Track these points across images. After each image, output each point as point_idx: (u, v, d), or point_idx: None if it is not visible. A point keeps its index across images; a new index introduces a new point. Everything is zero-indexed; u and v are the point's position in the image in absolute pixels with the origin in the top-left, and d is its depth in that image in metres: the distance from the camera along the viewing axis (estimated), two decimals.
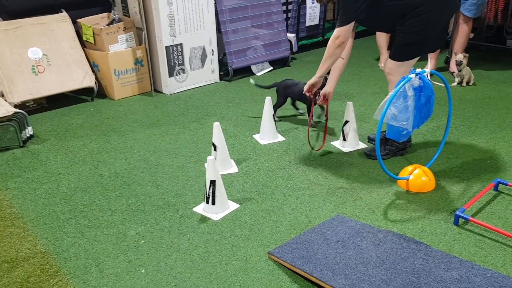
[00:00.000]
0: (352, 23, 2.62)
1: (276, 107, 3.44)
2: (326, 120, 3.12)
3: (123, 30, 4.02)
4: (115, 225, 2.35)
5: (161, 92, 4.25)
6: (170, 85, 4.18)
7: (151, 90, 4.21)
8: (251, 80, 3.65)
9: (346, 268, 1.88)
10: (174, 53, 4.11)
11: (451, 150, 2.98)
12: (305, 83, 2.97)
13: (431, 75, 2.77)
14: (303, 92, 2.96)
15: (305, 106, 3.41)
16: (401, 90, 2.42)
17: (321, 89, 3.00)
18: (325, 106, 3.16)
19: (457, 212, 2.25)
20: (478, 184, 2.60)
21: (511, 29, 4.72)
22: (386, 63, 2.86)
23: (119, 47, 4.02)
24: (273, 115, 3.25)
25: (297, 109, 3.62)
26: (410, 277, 1.79)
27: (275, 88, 3.50)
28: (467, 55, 4.14)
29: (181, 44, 4.12)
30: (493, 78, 4.36)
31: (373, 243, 2.04)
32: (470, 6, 4.28)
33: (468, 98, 3.90)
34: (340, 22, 2.60)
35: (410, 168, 2.63)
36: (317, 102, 3.06)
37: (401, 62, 2.73)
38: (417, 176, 2.58)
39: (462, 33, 4.38)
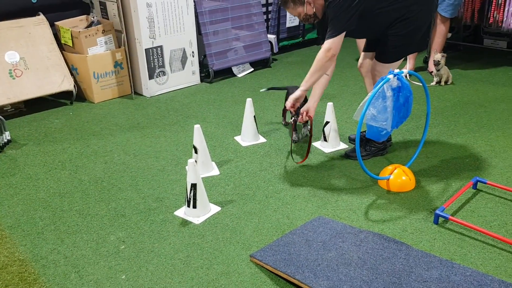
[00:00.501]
0: (343, 34, 2.55)
1: (285, 111, 3.40)
2: (310, 136, 2.94)
3: (102, 33, 3.97)
4: (95, 231, 2.32)
5: (142, 95, 4.22)
6: (150, 87, 4.15)
7: (131, 92, 4.17)
8: (262, 89, 3.56)
9: (328, 270, 1.88)
10: (154, 55, 4.08)
11: (430, 149, 3.02)
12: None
13: (409, 75, 2.80)
14: (286, 108, 2.85)
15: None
16: (379, 90, 2.44)
17: (302, 105, 2.89)
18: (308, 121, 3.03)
19: (437, 211, 2.28)
20: (458, 182, 2.64)
21: (487, 29, 4.80)
22: (373, 65, 2.86)
23: (98, 50, 3.97)
24: (283, 120, 3.26)
25: (284, 119, 3.50)
26: (391, 277, 1.80)
27: (286, 91, 3.37)
28: (445, 54, 4.20)
29: (161, 46, 4.09)
30: (471, 77, 4.43)
31: (354, 244, 2.05)
32: (447, 6, 4.34)
33: (447, 97, 3.95)
34: (331, 34, 2.53)
35: (390, 167, 2.65)
36: (297, 120, 2.91)
37: (390, 64, 2.75)
38: (397, 175, 2.60)
39: (440, 33, 4.45)
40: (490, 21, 4.46)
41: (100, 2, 4.17)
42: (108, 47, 4.03)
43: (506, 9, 4.32)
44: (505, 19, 4.35)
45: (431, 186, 2.62)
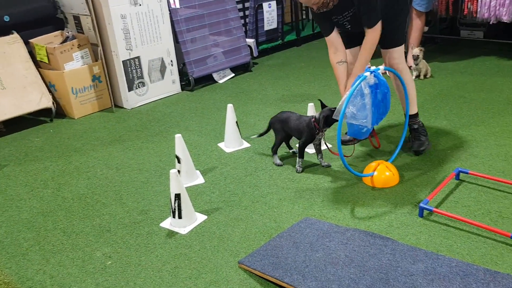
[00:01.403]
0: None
1: (275, 148, 2.94)
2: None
3: (78, 47, 3.94)
4: (80, 248, 2.29)
5: (122, 107, 4.19)
6: (130, 99, 4.12)
7: (112, 106, 4.14)
8: (253, 136, 3.18)
9: (316, 271, 1.88)
10: (132, 66, 4.06)
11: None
12: (302, 116, 2.80)
13: (388, 71, 2.81)
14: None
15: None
16: (357, 88, 2.45)
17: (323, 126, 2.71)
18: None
19: (421, 204, 2.29)
20: (440, 174, 2.66)
21: (463, 20, 4.86)
22: (393, 55, 2.76)
23: (75, 65, 3.94)
24: (272, 155, 2.95)
25: (290, 148, 3.07)
26: (379, 273, 1.80)
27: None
28: (422, 48, 4.24)
29: (138, 57, 4.07)
30: (450, 69, 4.47)
31: (341, 243, 2.05)
32: (421, 0, 4.38)
33: (426, 90, 3.98)
34: (375, 17, 2.54)
35: (373, 164, 2.66)
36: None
37: (402, 45, 2.76)
38: (381, 171, 2.61)
39: (416, 28, 4.49)
40: (465, 12, 4.51)
41: (74, 16, 4.14)
42: (84, 61, 4.00)
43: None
44: (479, 9, 4.40)
45: (414, 179, 2.64)
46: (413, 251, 1.92)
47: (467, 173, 2.58)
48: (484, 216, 2.26)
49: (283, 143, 3.00)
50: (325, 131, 2.75)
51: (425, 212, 2.31)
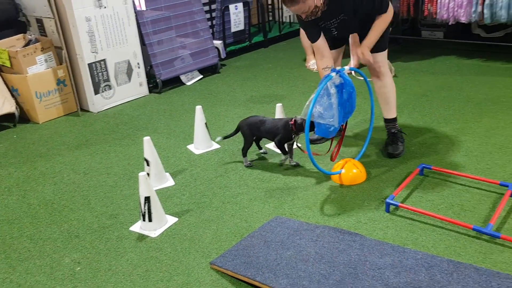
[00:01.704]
0: None
1: (244, 150, 2.94)
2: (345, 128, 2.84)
3: (41, 51, 3.85)
4: (48, 255, 2.24)
5: (88, 111, 4.12)
6: (96, 102, 4.06)
7: (77, 109, 4.07)
8: (218, 138, 3.08)
9: (287, 268, 1.91)
10: (98, 69, 4.00)
11: (377, 141, 3.11)
12: (273, 119, 2.83)
13: (353, 72, 2.88)
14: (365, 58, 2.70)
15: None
16: (324, 88, 2.50)
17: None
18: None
19: (387, 200, 2.36)
20: (405, 170, 2.74)
21: (424, 21, 5.01)
22: (376, 59, 2.77)
23: (39, 69, 3.85)
24: (243, 158, 2.94)
25: (260, 148, 3.09)
26: (348, 268, 1.85)
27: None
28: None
29: (104, 60, 4.02)
30: (412, 68, 4.60)
31: (311, 240, 2.09)
32: None
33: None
34: (385, 5, 2.59)
35: (341, 162, 2.72)
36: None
37: (386, 50, 2.80)
38: (348, 169, 2.67)
39: None
40: (425, 13, 4.65)
41: (36, 19, 4.04)
42: (48, 65, 3.91)
43: (438, 1, 4.52)
44: (438, 10, 4.55)
45: (381, 176, 2.71)
46: (380, 246, 1.97)
47: (430, 168, 2.66)
48: (447, 209, 2.35)
49: (254, 143, 3.01)
50: (300, 134, 2.77)
51: (392, 207, 2.37)
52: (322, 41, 2.73)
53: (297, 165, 2.89)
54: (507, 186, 2.40)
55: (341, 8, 2.56)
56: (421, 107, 3.65)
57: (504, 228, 2.17)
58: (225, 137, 3.05)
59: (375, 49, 2.75)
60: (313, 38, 2.73)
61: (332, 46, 2.87)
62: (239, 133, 2.98)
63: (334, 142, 2.82)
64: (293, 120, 2.74)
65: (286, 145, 2.88)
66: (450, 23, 4.57)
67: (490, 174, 2.61)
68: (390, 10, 2.63)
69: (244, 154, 2.96)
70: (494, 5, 4.24)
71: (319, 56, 2.77)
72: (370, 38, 2.67)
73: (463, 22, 4.46)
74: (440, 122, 3.35)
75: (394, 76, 4.39)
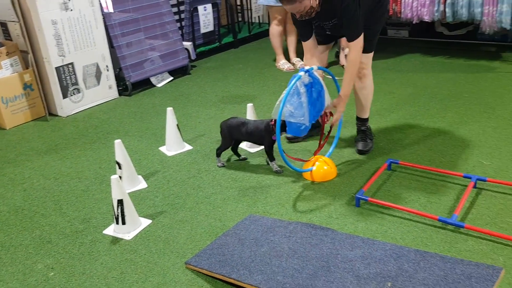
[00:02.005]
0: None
1: (219, 151, 2.94)
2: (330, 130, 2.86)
3: (6, 55, 3.77)
4: (20, 262, 2.21)
5: (57, 115, 4.06)
6: (65, 106, 4.00)
7: (46, 114, 4.00)
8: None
9: (262, 264, 1.94)
10: (66, 73, 3.94)
11: (346, 138, 3.19)
12: (255, 121, 2.83)
13: (323, 71, 2.93)
14: (324, 112, 2.74)
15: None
16: (293, 88, 2.55)
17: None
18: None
19: (357, 195, 2.42)
20: (374, 166, 2.81)
21: (389, 20, 5.13)
22: (362, 60, 2.74)
23: (4, 73, 3.77)
24: (216, 158, 2.95)
25: (239, 156, 3.04)
26: (320, 261, 1.90)
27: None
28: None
29: (72, 63, 3.97)
30: (379, 66, 4.71)
31: (284, 236, 2.13)
32: None
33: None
34: (357, 33, 2.57)
35: (312, 159, 2.77)
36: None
37: (371, 53, 2.81)
38: (319, 166, 2.73)
39: None
40: (390, 13, 4.77)
41: (1, 23, 3.96)
42: (14, 69, 3.84)
43: (403, 0, 4.64)
44: (402, 10, 4.68)
45: (350, 172, 2.78)
46: (351, 239, 2.03)
47: (397, 163, 2.75)
48: (414, 202, 2.43)
49: (232, 151, 3.02)
50: (282, 134, 2.77)
51: (361, 201, 2.44)
52: (312, 42, 2.78)
53: (278, 172, 2.85)
54: (470, 178, 2.51)
55: (333, 14, 2.59)
56: (388, 104, 3.75)
57: (468, 218, 2.27)
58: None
59: (364, 50, 2.73)
60: (304, 37, 2.78)
61: (322, 42, 2.90)
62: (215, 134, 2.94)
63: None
64: (273, 120, 2.71)
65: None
66: (414, 22, 4.71)
67: (454, 167, 2.72)
68: (359, 42, 2.59)
69: (218, 154, 2.97)
70: (455, 4, 4.39)
71: (308, 56, 2.82)
72: (344, 87, 2.69)
73: (427, 20, 4.60)
74: (406, 118, 3.45)
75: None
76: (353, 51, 2.62)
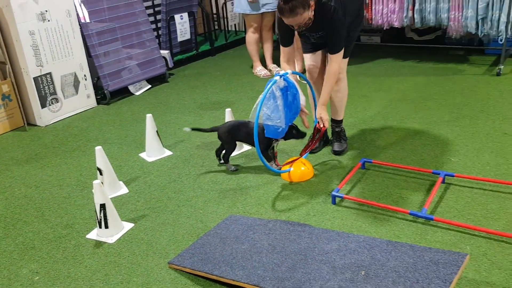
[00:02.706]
0: None
1: (226, 156, 2.99)
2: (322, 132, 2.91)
3: None
4: (4, 267, 2.24)
5: (36, 125, 4.07)
6: (44, 116, 4.02)
7: (24, 124, 4.01)
8: (186, 128, 3.06)
9: (243, 260, 2.02)
10: (44, 83, 3.97)
11: (323, 139, 3.29)
12: (250, 122, 2.84)
13: (298, 76, 3.04)
14: (324, 127, 2.84)
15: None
16: (269, 92, 2.65)
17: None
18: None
19: (333, 193, 2.53)
20: (349, 165, 2.93)
21: (362, 28, 5.29)
22: (340, 65, 2.83)
23: None
24: (226, 164, 2.99)
25: (220, 160, 3.08)
26: (298, 255, 1.99)
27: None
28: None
29: (50, 73, 3.99)
30: (352, 71, 4.85)
31: (264, 233, 2.21)
32: None
33: None
34: (339, 47, 2.68)
35: (290, 160, 2.87)
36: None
37: (347, 58, 2.90)
38: (297, 167, 2.82)
39: None
40: None
41: None
42: None
43: (373, 7, 4.82)
44: (373, 16, 4.85)
45: (327, 172, 2.88)
46: (327, 233, 2.13)
47: (371, 162, 2.87)
48: (387, 198, 2.55)
49: (216, 153, 3.09)
50: (279, 140, 2.85)
51: (337, 199, 2.55)
52: (291, 49, 2.89)
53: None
54: (439, 174, 2.64)
55: (321, 26, 2.68)
56: (361, 107, 3.89)
57: (437, 211, 2.39)
58: (195, 129, 3.07)
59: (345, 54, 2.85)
60: (284, 44, 2.87)
61: (312, 50, 2.99)
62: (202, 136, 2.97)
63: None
64: None
65: (269, 152, 2.91)
66: (385, 28, 4.88)
67: (424, 164, 2.85)
68: (340, 55, 2.71)
69: (227, 160, 3.00)
70: (423, 10, 4.58)
71: (284, 60, 2.91)
72: (323, 96, 2.83)
73: (397, 26, 4.78)
74: (379, 120, 3.59)
75: None
76: (334, 63, 2.75)
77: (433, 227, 2.26)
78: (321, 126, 2.85)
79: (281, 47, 2.91)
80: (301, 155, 2.93)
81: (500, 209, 2.36)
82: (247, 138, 2.91)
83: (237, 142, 3.02)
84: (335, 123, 3.15)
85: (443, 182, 2.61)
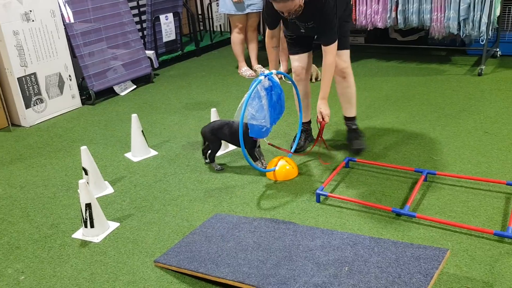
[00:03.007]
0: None
1: (212, 155, 3.01)
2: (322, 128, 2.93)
3: None
4: None
5: (20, 126, 4.04)
6: (28, 117, 3.99)
7: (8, 125, 3.97)
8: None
9: (228, 258, 2.04)
10: (28, 83, 3.94)
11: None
12: (235, 122, 2.87)
13: (283, 76, 3.07)
14: (324, 122, 2.86)
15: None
16: (254, 91, 2.67)
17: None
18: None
19: (317, 191, 2.56)
20: (333, 164, 2.97)
21: None
22: (342, 58, 2.89)
23: None
24: (211, 164, 3.01)
25: (206, 158, 3.11)
26: (283, 252, 2.01)
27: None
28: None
29: (34, 74, 3.97)
30: None
31: (249, 231, 2.24)
32: None
33: (317, 91, 4.33)
34: (333, 38, 2.70)
35: (275, 160, 2.90)
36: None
37: (349, 50, 2.92)
38: (281, 166, 2.85)
39: None
40: None
41: None
42: None
43: (357, 8, 4.88)
44: (357, 17, 4.91)
45: (311, 170, 2.92)
46: (311, 230, 2.16)
47: (355, 161, 2.92)
48: (370, 196, 2.59)
49: (202, 152, 3.11)
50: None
51: (322, 197, 2.58)
52: (276, 30, 2.93)
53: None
54: (421, 172, 2.69)
55: (311, 16, 2.69)
56: None
57: (419, 208, 2.44)
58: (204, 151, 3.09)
59: (341, 47, 2.87)
60: (271, 26, 2.90)
61: (300, 50, 3.03)
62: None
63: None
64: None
65: (256, 151, 2.93)
66: (369, 29, 4.95)
67: (407, 162, 2.91)
68: (334, 47, 2.73)
69: (212, 159, 3.02)
70: (406, 11, 4.66)
71: (269, 36, 2.94)
72: (322, 89, 2.88)
73: (380, 27, 4.85)
74: (363, 119, 3.64)
75: (320, 80, 4.66)
76: (329, 55, 2.77)
77: (416, 224, 2.31)
78: (321, 120, 2.86)
79: (267, 30, 2.95)
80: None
81: (481, 206, 2.42)
82: (231, 138, 2.94)
83: (222, 142, 3.05)
84: (350, 120, 3.15)
85: (425, 180, 2.67)
